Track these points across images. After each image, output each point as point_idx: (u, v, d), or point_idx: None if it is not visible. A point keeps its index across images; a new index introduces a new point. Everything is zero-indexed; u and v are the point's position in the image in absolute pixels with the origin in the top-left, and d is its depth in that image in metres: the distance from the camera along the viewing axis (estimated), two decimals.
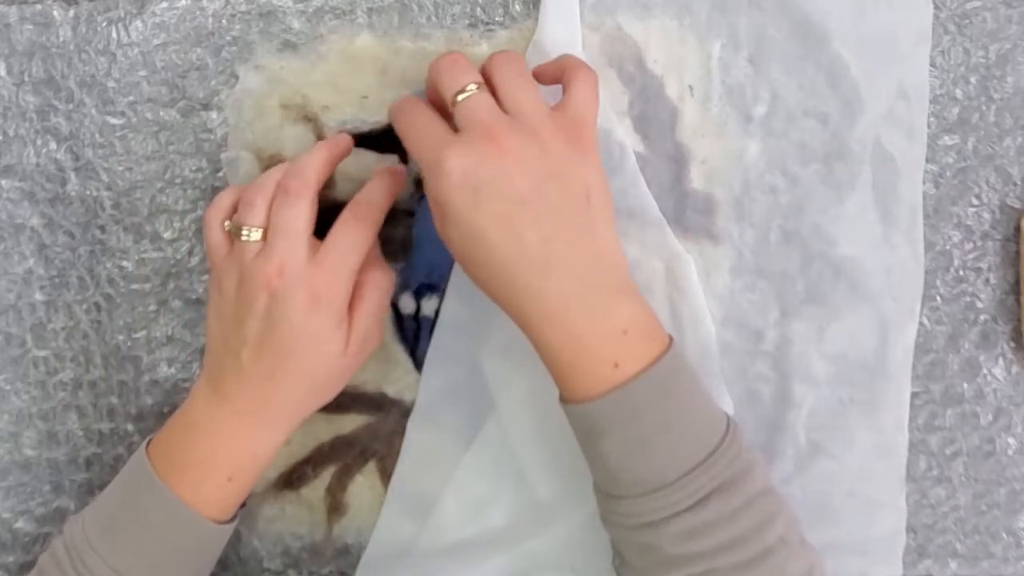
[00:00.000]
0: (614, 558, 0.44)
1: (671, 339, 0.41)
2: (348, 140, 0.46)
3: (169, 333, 0.50)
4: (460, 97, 0.40)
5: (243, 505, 0.46)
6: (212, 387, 0.44)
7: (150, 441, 0.45)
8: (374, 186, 0.45)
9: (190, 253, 0.50)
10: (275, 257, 0.42)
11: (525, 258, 0.39)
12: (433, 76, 0.42)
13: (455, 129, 0.41)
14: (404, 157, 0.48)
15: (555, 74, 0.44)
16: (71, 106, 0.49)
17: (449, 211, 0.39)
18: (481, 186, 0.39)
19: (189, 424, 0.44)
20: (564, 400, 0.41)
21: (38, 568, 0.44)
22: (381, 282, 0.45)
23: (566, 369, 0.40)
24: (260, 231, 0.43)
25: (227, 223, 0.44)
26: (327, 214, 0.48)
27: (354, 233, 0.43)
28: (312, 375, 0.43)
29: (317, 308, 0.42)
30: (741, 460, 0.40)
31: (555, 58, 0.44)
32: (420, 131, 0.41)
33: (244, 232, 0.43)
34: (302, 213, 0.42)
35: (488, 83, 0.41)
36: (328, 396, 0.46)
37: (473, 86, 0.40)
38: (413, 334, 0.50)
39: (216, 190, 0.49)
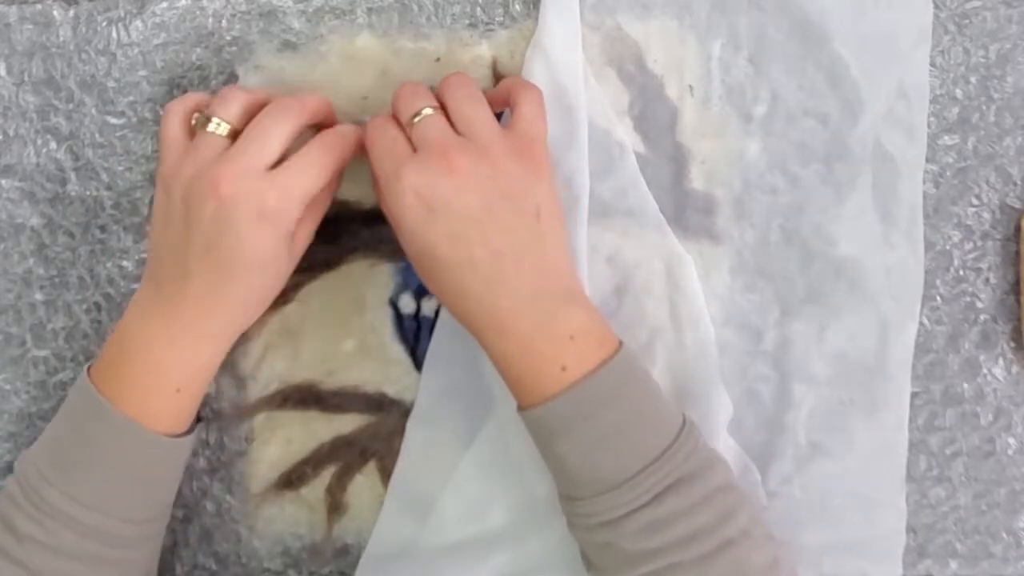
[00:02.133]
0: (583, 561, 0.44)
1: (621, 343, 0.42)
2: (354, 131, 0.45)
3: None
4: (416, 119, 0.42)
5: (199, 419, 0.46)
6: (153, 295, 0.43)
7: (90, 367, 0.44)
8: (349, 125, 0.45)
9: None
10: (239, 160, 0.41)
11: (476, 274, 0.40)
12: (393, 103, 0.43)
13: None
14: None
15: (503, 98, 0.45)
16: (71, 106, 0.49)
17: (403, 227, 0.41)
18: (434, 204, 0.40)
19: (129, 339, 0.43)
20: (520, 408, 0.42)
21: None
22: (326, 201, 0.46)
23: (518, 376, 0.42)
24: (228, 128, 0.42)
25: (196, 115, 0.43)
26: (324, 220, 0.48)
27: (319, 157, 0.42)
28: (255, 288, 0.43)
29: (264, 224, 0.41)
30: (698, 456, 0.41)
31: (501, 82, 0.46)
32: (382, 148, 0.42)
33: (213, 123, 0.42)
34: (285, 130, 0.42)
35: (442, 106, 0.42)
36: (265, 307, 0.45)
37: (428, 109, 0.42)
38: (413, 334, 0.50)
39: None
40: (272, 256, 0.42)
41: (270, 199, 0.40)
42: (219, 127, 0.42)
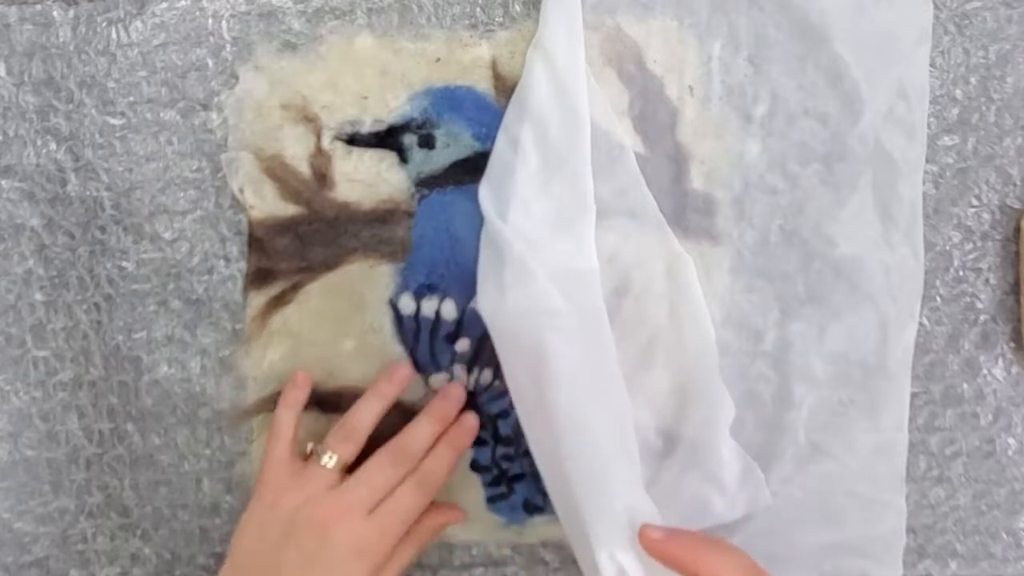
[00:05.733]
0: None
1: None
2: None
3: (169, 333, 0.50)
4: None
5: None
6: None
7: None
8: (437, 455, 0.46)
9: (190, 253, 0.50)
10: (345, 501, 0.43)
11: None
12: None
13: None
14: (403, 156, 0.48)
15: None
16: (71, 106, 0.49)
17: None
18: None
19: None
20: None
21: None
22: (427, 533, 0.47)
23: None
24: (340, 464, 0.44)
25: (310, 444, 0.45)
26: (324, 220, 0.48)
27: (414, 501, 0.45)
28: None
29: (360, 559, 0.43)
30: None
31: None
32: None
33: (326, 457, 0.44)
34: (391, 477, 0.44)
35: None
36: None
37: None
38: (413, 334, 0.50)
39: (217, 190, 0.49)
40: None
41: (368, 540, 0.43)
42: (331, 460, 0.44)
